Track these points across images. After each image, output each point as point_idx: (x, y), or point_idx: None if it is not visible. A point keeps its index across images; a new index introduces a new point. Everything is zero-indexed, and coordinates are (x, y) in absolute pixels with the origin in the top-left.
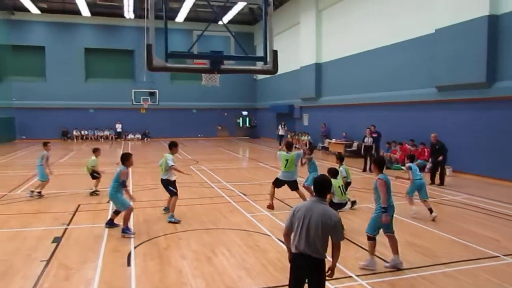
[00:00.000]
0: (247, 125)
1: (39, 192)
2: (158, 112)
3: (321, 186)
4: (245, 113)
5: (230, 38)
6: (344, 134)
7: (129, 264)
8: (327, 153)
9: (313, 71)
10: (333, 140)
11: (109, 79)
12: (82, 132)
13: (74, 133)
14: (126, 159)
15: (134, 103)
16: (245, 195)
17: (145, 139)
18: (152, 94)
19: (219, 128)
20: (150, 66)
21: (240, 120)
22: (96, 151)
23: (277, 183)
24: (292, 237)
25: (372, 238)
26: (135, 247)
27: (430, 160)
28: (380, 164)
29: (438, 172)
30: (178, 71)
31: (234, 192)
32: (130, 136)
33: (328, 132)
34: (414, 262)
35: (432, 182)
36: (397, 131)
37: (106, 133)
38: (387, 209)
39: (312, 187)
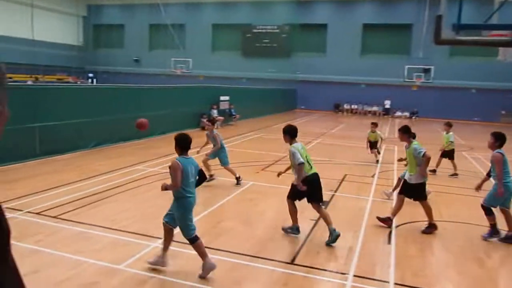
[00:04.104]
0: None
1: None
2: (430, 90)
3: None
4: None
5: None
6: None
7: (389, 242)
8: None
9: None
10: None
11: (383, 54)
12: (352, 106)
13: (345, 106)
14: None
15: (406, 79)
16: None
17: (413, 117)
18: (426, 71)
19: (503, 113)
20: (438, 39)
21: None
22: (373, 125)
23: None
24: None
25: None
26: (396, 226)
27: None
28: None
29: None
30: (470, 44)
31: None
32: (398, 113)
33: None
34: None
35: None
36: None
37: (375, 108)
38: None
39: None
